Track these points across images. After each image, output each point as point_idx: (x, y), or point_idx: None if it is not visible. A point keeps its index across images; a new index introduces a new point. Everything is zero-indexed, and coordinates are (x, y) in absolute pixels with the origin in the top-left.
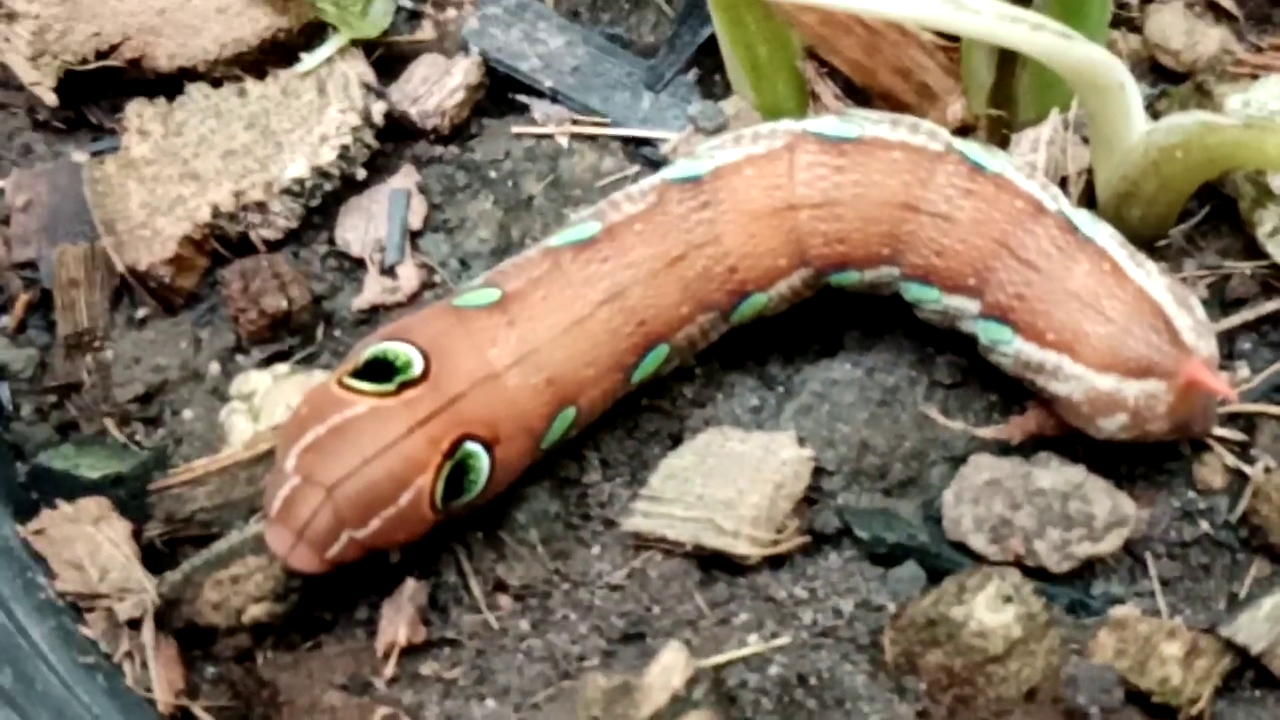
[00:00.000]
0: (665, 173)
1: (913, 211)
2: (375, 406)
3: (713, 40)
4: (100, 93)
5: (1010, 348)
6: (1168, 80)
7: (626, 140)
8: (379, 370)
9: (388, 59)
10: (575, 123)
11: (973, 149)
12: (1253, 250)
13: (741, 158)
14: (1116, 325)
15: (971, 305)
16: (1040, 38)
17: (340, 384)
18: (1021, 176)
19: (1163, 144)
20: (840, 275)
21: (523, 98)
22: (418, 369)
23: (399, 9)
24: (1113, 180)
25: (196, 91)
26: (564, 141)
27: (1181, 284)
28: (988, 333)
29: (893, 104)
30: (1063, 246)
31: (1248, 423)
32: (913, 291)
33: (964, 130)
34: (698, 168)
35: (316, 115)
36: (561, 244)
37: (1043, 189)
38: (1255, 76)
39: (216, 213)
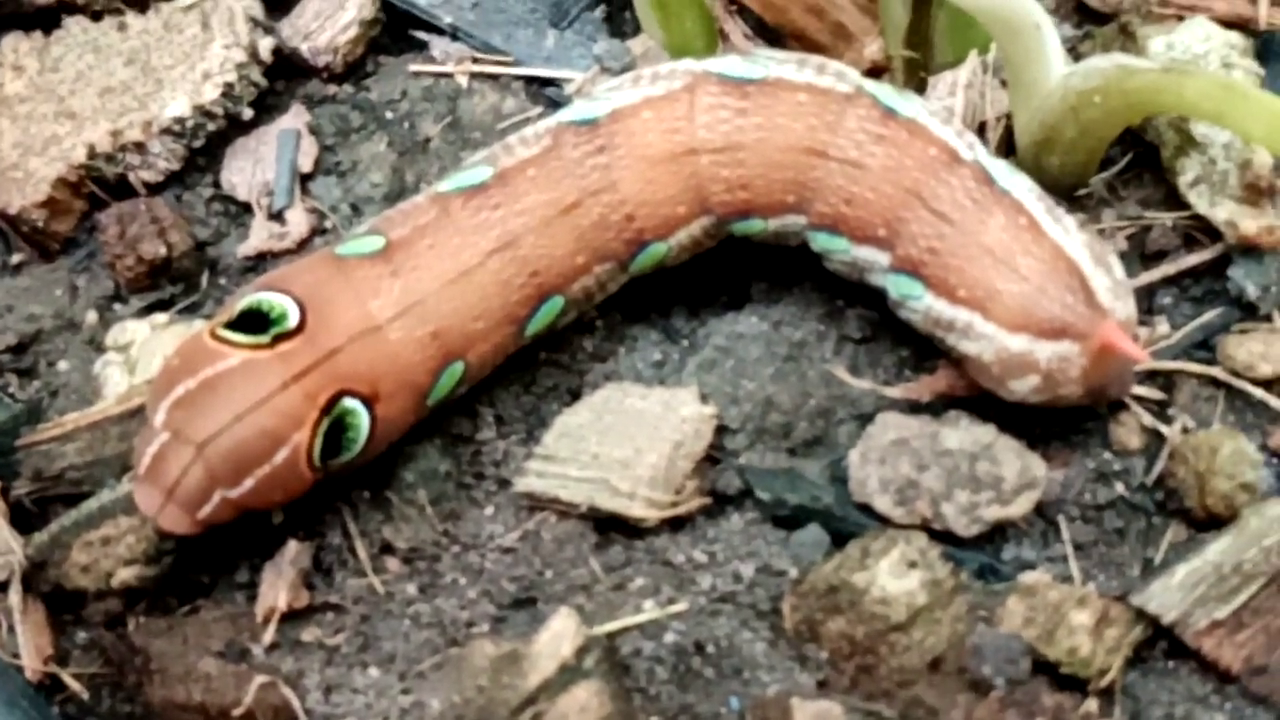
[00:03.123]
0: (560, 115)
1: (820, 157)
2: (248, 359)
3: None
4: None
5: (920, 303)
6: (1093, 21)
7: (529, 80)
8: (255, 322)
9: None
10: (476, 61)
11: (885, 92)
12: (1174, 200)
13: (639, 100)
14: (1030, 284)
15: (881, 257)
16: None
17: (213, 335)
18: (936, 122)
19: (1081, 88)
20: (744, 224)
21: (421, 34)
22: (293, 320)
23: None
24: (1031, 126)
25: (75, 25)
26: (463, 81)
27: (1101, 240)
28: (898, 287)
29: (806, 44)
30: (978, 199)
31: (1167, 381)
32: (820, 241)
33: (878, 72)
34: (594, 109)
35: (200, 51)
36: (451, 189)
37: (958, 136)
38: (1180, 18)
39: (93, 153)
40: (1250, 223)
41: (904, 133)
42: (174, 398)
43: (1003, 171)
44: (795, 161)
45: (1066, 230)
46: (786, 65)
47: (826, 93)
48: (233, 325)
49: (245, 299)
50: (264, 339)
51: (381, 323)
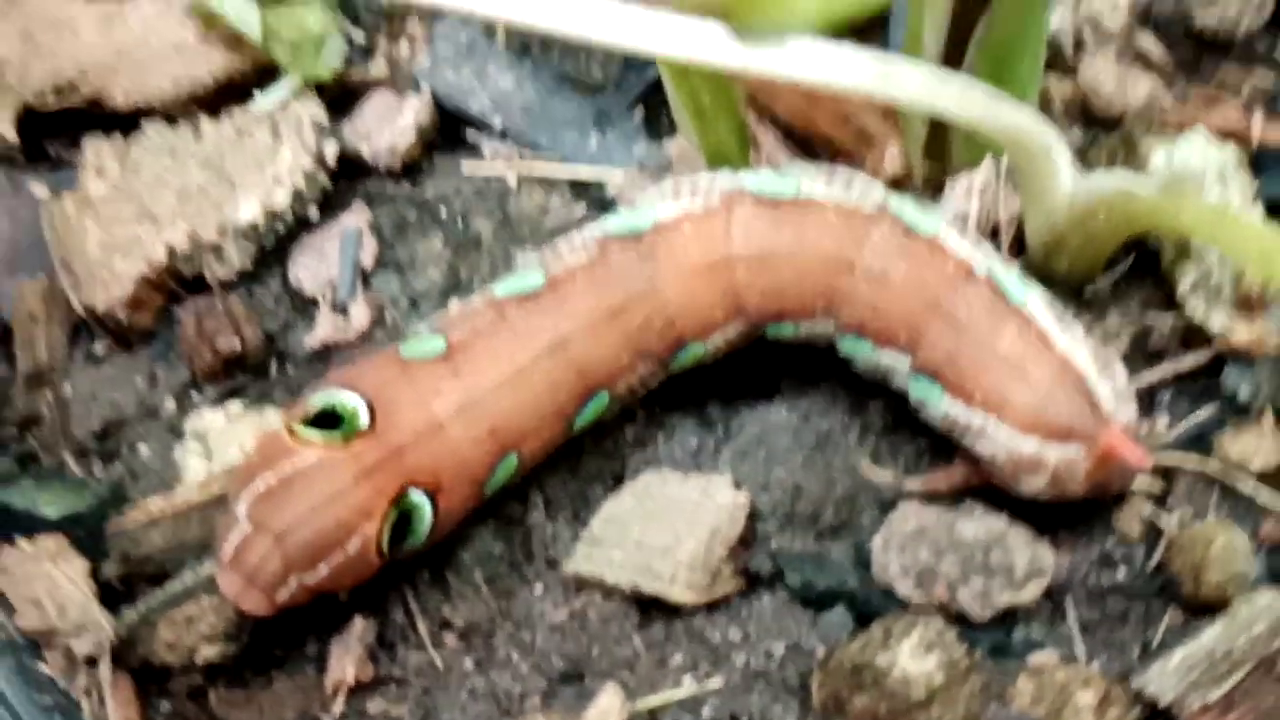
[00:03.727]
0: (606, 224)
1: (847, 270)
2: (324, 457)
3: (659, 80)
4: (59, 127)
5: (939, 406)
6: (1100, 126)
7: (574, 179)
8: (328, 419)
9: (340, 95)
10: (524, 161)
11: (907, 209)
12: (1173, 303)
13: (680, 214)
14: (1040, 391)
15: (903, 362)
16: (968, 103)
17: (290, 433)
18: (955, 237)
19: (1086, 204)
20: (776, 327)
21: (473, 135)
22: (364, 420)
23: (351, 44)
24: (1041, 230)
25: (153, 130)
26: (513, 180)
27: (1105, 349)
28: (918, 389)
29: (832, 149)
30: (992, 311)
31: (1166, 474)
32: (847, 345)
33: (900, 178)
34: (638, 221)
35: (270, 156)
36: (506, 294)
37: (975, 249)
38: (1181, 129)
39: (172, 253)
40: (1242, 332)
41: (924, 248)
42: (255, 492)
43: (1015, 284)
44: (825, 273)
45: (1074, 340)
46: (816, 181)
47: (853, 210)
48: (309, 423)
49: (320, 398)
50: (337, 437)
51: (444, 421)
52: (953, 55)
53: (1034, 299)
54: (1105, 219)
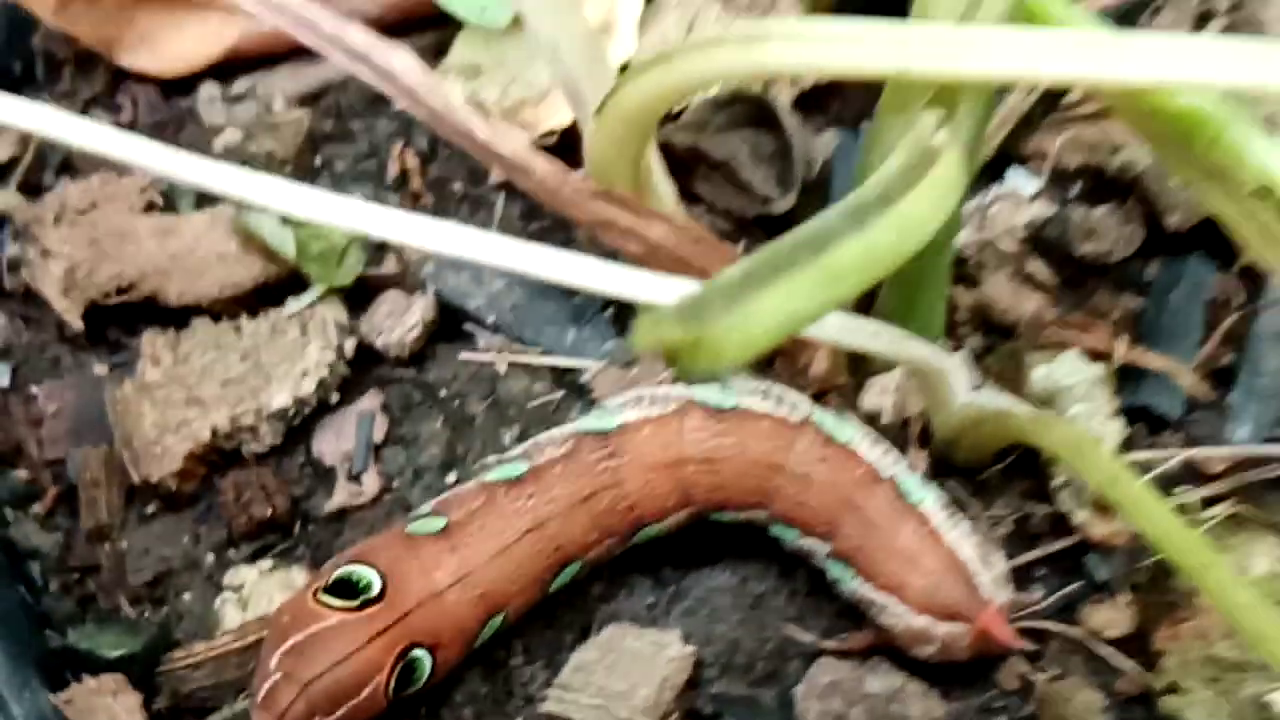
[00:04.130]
0: (581, 424)
1: (777, 470)
2: (343, 620)
3: None
4: (119, 317)
5: (851, 585)
6: (997, 333)
7: (555, 368)
8: (346, 587)
9: (358, 289)
10: (512, 351)
11: (828, 420)
12: (1048, 495)
13: (641, 419)
14: (931, 578)
15: (822, 547)
16: (879, 340)
17: (315, 599)
18: (866, 445)
19: (976, 414)
20: (719, 514)
21: (470, 327)
22: (376, 589)
23: (368, 244)
24: (942, 428)
25: (200, 325)
26: (503, 368)
27: (986, 543)
28: (834, 570)
29: (772, 350)
30: (894, 509)
31: (1040, 637)
32: (777, 530)
33: (828, 377)
34: (606, 423)
35: (299, 351)
36: (496, 479)
37: (882, 457)
38: (1060, 347)
39: (215, 433)
40: (1099, 528)
41: (840, 455)
42: (285, 647)
43: (915, 486)
44: (759, 473)
45: (961, 535)
46: (754, 395)
47: (783, 421)
48: (330, 589)
49: (340, 570)
50: (354, 604)
51: (443, 589)
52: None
53: (929, 500)
54: (990, 428)
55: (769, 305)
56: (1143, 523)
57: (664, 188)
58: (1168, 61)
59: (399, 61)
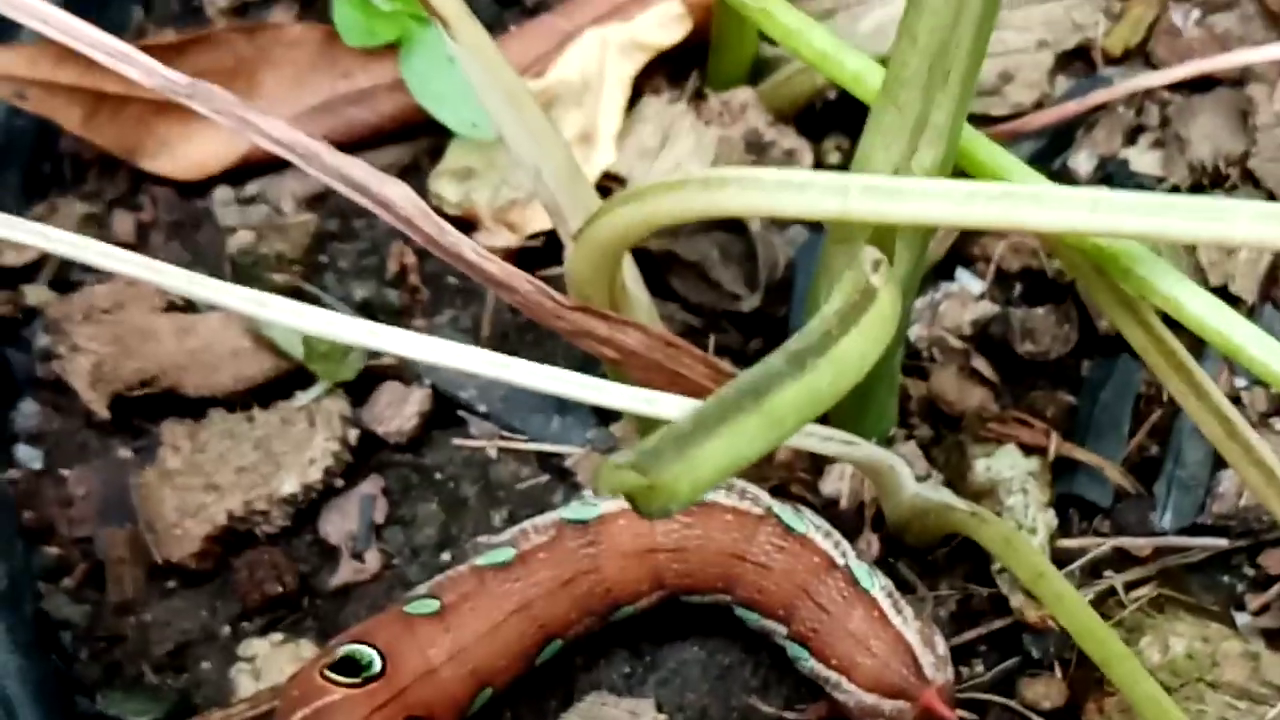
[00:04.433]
0: (563, 513)
1: (740, 560)
2: (346, 695)
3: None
4: (142, 407)
5: (807, 663)
6: (945, 424)
7: (541, 453)
8: (350, 664)
9: (359, 381)
10: (502, 438)
11: (786, 512)
12: (989, 577)
13: (618, 509)
14: (879, 659)
15: (781, 628)
16: (832, 445)
17: (322, 675)
18: (820, 536)
19: (922, 505)
20: (688, 596)
21: (463, 415)
22: (377, 667)
23: None
24: (892, 514)
25: (216, 416)
26: (493, 453)
27: (929, 625)
28: (791, 649)
29: None
30: (846, 596)
31: (981, 708)
32: (740, 611)
33: (789, 464)
34: (586, 513)
35: (307, 441)
36: (486, 564)
37: (835, 547)
38: (1000, 441)
39: (230, 517)
40: (1032, 612)
41: (798, 545)
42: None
43: (865, 575)
44: (723, 562)
45: (906, 620)
46: (718, 491)
47: (745, 514)
48: (334, 667)
49: (344, 649)
50: (357, 680)
51: (437, 666)
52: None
53: (878, 588)
54: (934, 519)
55: (715, 451)
56: (1063, 617)
57: (639, 297)
58: (1076, 214)
59: (394, 192)
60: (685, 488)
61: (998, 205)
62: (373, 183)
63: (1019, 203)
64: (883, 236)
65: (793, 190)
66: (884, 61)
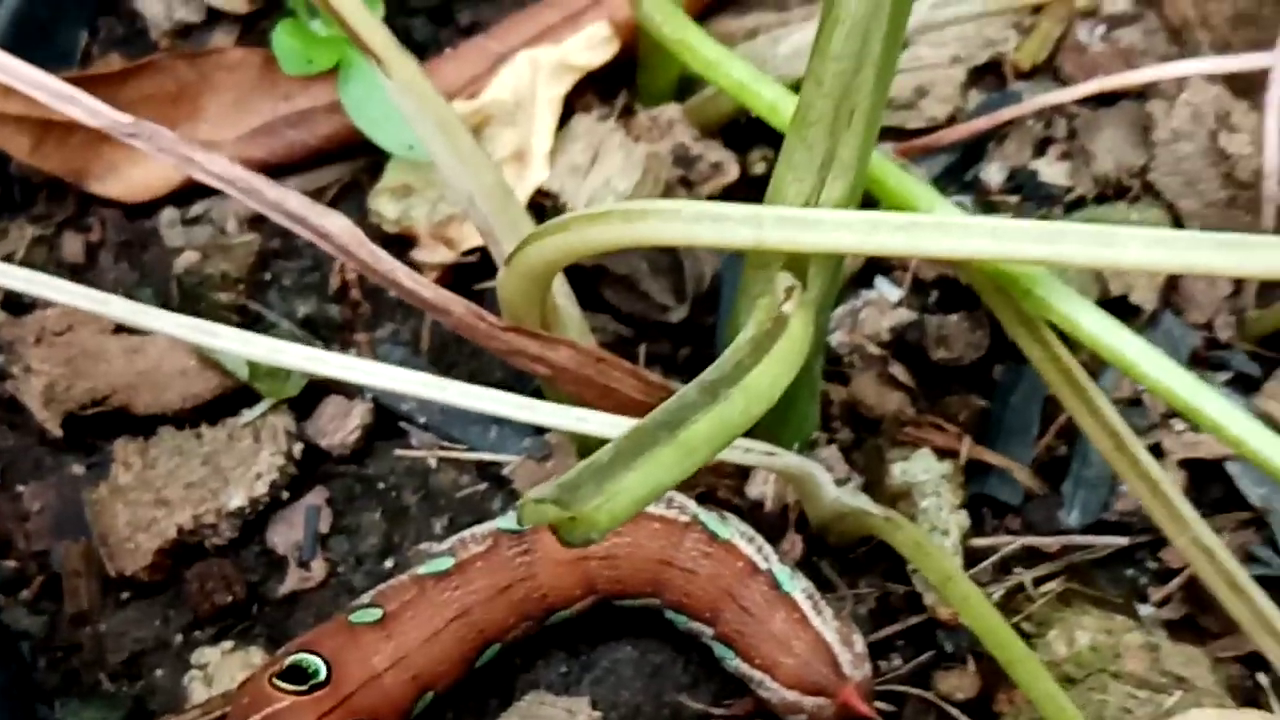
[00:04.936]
0: (499, 522)
1: (668, 565)
2: (294, 703)
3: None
4: (94, 425)
5: (732, 662)
6: (864, 427)
7: (479, 462)
8: (297, 672)
9: (303, 395)
10: (442, 448)
11: (711, 520)
12: (906, 576)
13: None
14: (800, 659)
15: (708, 630)
16: (750, 456)
17: (270, 683)
18: (744, 542)
19: (841, 510)
20: (620, 600)
21: (404, 426)
22: (323, 674)
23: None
24: (815, 518)
25: (166, 433)
26: (433, 463)
27: (848, 624)
28: (718, 649)
29: None
30: (768, 599)
31: (899, 700)
32: (669, 614)
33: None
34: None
35: (253, 456)
36: (426, 573)
37: (758, 552)
38: (915, 445)
39: (180, 530)
40: (944, 611)
41: (722, 551)
42: None
43: (786, 578)
44: (652, 567)
45: (825, 620)
46: None
47: (673, 522)
48: (283, 675)
49: (291, 658)
50: (304, 688)
51: (380, 672)
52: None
53: (799, 590)
54: (852, 522)
55: (632, 483)
56: (970, 618)
57: (570, 312)
58: (978, 242)
59: (332, 223)
60: (604, 519)
61: (903, 235)
62: (311, 214)
63: (923, 232)
64: (798, 260)
65: (709, 222)
66: (798, 86)
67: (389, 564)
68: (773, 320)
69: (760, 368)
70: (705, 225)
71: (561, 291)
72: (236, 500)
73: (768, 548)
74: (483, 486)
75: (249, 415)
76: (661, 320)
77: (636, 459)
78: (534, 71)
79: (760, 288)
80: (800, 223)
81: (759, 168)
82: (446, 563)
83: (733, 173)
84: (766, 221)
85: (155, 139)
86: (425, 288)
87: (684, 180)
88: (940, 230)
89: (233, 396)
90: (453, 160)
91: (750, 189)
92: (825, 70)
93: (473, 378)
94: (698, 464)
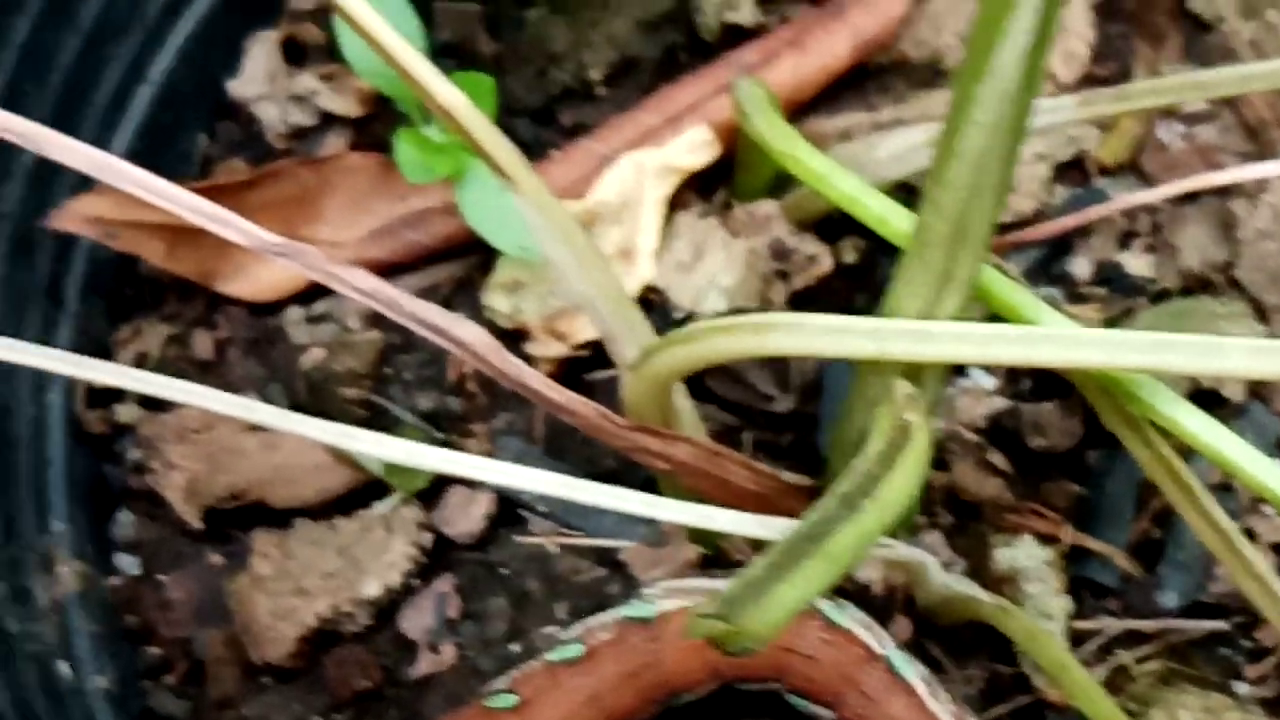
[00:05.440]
0: (625, 610)
1: (789, 652)
2: None
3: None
4: (232, 517)
5: None
6: (966, 513)
7: (597, 548)
8: None
9: (431, 486)
10: (561, 535)
11: (829, 607)
12: (1014, 657)
13: (675, 609)
14: None
15: (829, 714)
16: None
17: None
18: (861, 629)
19: (949, 596)
20: (743, 684)
21: (524, 513)
22: None
23: (432, 439)
24: (923, 602)
25: (301, 525)
26: (553, 549)
27: (962, 707)
28: None
29: None
30: (887, 684)
31: None
32: (792, 698)
33: None
34: (648, 611)
35: (386, 547)
36: (558, 660)
37: (874, 638)
38: (1017, 531)
39: (319, 619)
40: (1054, 693)
41: (841, 637)
42: None
43: (903, 663)
44: (773, 654)
45: (941, 704)
46: None
47: None
48: None
49: None
50: None
51: None
52: None
53: (915, 674)
54: (961, 607)
55: (786, 595)
56: (1085, 706)
57: (685, 408)
58: (1088, 352)
59: (467, 333)
60: (764, 631)
61: (1018, 346)
62: (447, 324)
63: (1037, 343)
64: (914, 366)
65: (835, 335)
66: (899, 188)
67: (515, 647)
68: (897, 430)
69: (891, 480)
70: (831, 338)
71: (679, 390)
72: (372, 590)
73: (883, 633)
74: (601, 572)
75: (381, 508)
76: (766, 409)
77: (788, 572)
78: (639, 174)
79: (877, 392)
80: (920, 336)
81: (850, 256)
82: (577, 650)
83: (826, 264)
84: (888, 335)
85: (303, 258)
86: (555, 392)
87: (780, 273)
88: (1053, 342)
89: (364, 490)
90: (574, 266)
91: (843, 278)
92: (945, 198)
93: (587, 463)
94: (841, 573)
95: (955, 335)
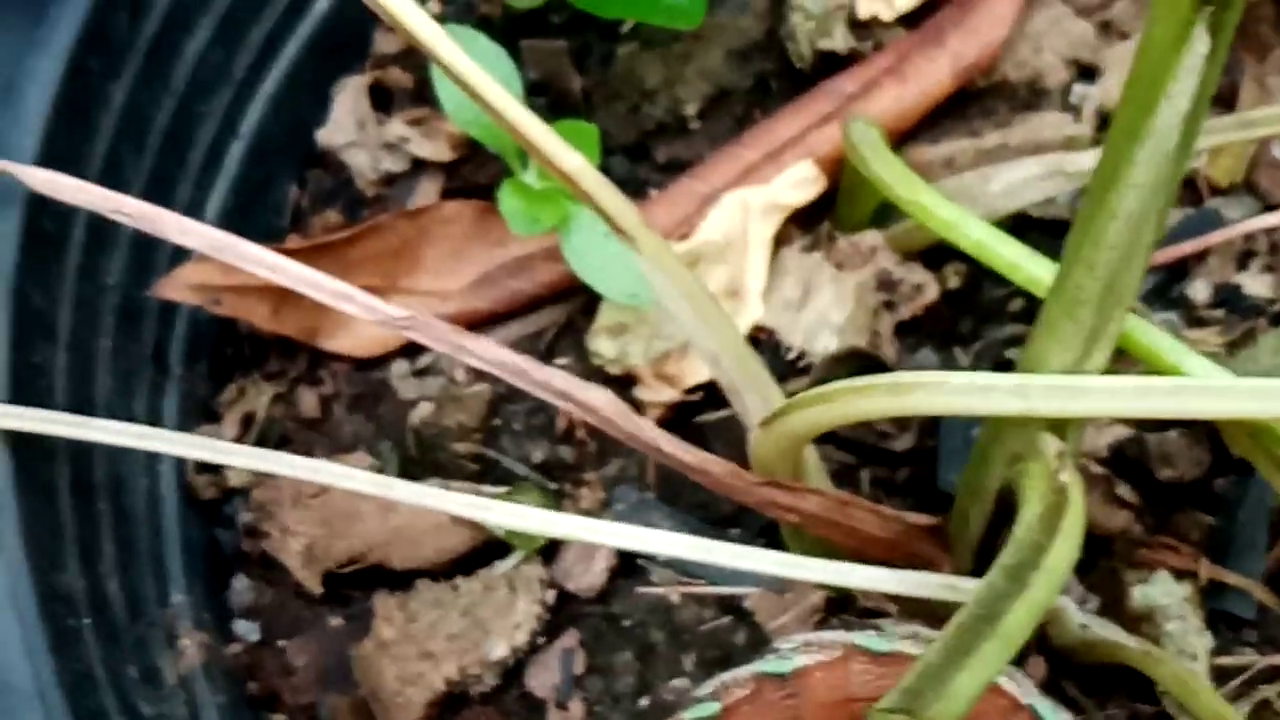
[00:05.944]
0: (760, 666)
1: None
2: None
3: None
4: (351, 579)
5: None
6: (1098, 547)
7: (719, 595)
8: None
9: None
10: (682, 584)
11: None
12: (1155, 696)
13: (813, 663)
14: None
15: None
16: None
17: None
18: (1004, 679)
19: (1090, 639)
20: None
21: (643, 563)
22: None
23: (546, 491)
24: (1058, 641)
25: (423, 586)
26: (675, 598)
27: None
28: None
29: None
30: None
31: None
32: None
33: None
34: (783, 667)
35: (510, 607)
36: (697, 718)
37: (1017, 687)
38: (1152, 567)
39: (447, 682)
40: None
41: (988, 690)
42: None
43: (1048, 711)
44: None
45: None
46: (906, 640)
47: None
48: None
49: None
50: None
51: None
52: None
53: None
54: (1103, 651)
55: (965, 684)
56: None
57: (814, 462)
58: (1241, 403)
59: (596, 398)
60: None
61: (1170, 399)
62: (575, 390)
63: (1189, 396)
64: (1059, 421)
65: (977, 393)
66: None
67: (644, 702)
68: (1054, 492)
69: (1056, 548)
70: (973, 397)
71: (808, 450)
72: (499, 651)
73: (1026, 681)
74: (725, 620)
75: (503, 566)
76: (884, 446)
77: (964, 658)
78: (744, 213)
79: (1018, 444)
80: (1070, 392)
81: (953, 282)
82: (713, 708)
83: (933, 293)
84: (1034, 392)
85: (428, 331)
86: (689, 454)
87: (887, 304)
88: (1205, 394)
89: (484, 549)
90: (690, 315)
91: (949, 305)
92: (1099, 257)
93: (702, 508)
94: (1015, 651)
95: (1106, 391)
